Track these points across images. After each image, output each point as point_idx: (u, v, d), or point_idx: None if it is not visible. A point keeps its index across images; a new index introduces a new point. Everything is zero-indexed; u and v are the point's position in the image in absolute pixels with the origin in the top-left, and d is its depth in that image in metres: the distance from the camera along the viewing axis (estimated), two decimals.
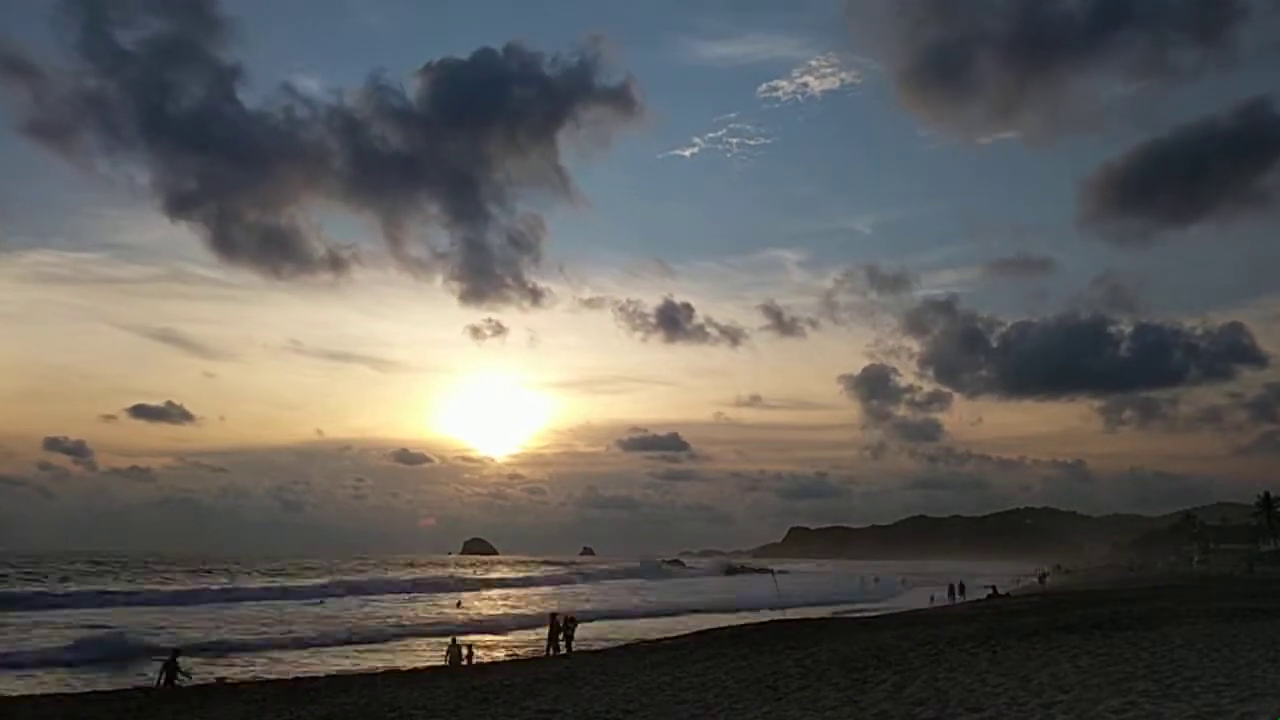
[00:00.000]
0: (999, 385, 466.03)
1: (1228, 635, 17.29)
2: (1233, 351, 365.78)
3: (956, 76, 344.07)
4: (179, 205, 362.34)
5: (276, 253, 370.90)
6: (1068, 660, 15.06)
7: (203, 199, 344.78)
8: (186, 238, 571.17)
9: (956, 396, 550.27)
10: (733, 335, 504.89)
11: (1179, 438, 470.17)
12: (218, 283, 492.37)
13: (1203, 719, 9.53)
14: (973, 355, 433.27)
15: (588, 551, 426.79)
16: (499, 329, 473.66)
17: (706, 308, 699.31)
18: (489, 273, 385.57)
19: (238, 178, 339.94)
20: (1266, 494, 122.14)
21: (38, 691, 22.45)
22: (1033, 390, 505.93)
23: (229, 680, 24.35)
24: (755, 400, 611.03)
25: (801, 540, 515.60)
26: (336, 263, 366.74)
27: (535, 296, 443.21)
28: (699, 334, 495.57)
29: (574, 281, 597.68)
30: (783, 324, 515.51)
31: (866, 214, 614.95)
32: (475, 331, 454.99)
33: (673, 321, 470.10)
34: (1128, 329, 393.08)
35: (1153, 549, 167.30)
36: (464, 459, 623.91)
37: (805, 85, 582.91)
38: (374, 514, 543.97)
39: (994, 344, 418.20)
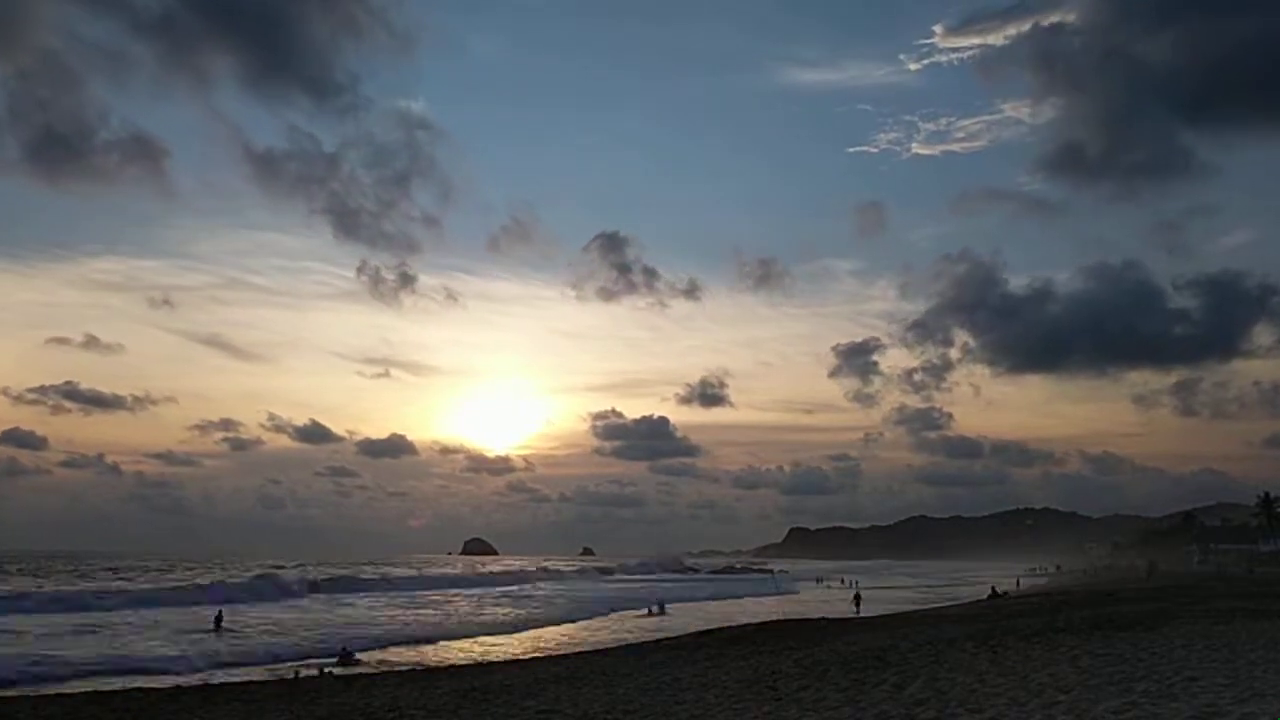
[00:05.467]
0: (1004, 364, 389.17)
1: (1228, 635, 17.32)
2: None
3: None
4: None
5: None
6: (1068, 660, 15.07)
7: None
8: None
9: (957, 382, 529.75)
10: (699, 297, 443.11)
11: (1197, 430, 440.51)
12: None
13: (1203, 719, 9.54)
14: (976, 325, 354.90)
15: (587, 551, 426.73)
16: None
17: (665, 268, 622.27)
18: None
19: None
20: (1266, 494, 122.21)
21: (34, 693, 22.43)
22: (1040, 369, 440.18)
23: (233, 680, 24.36)
24: (738, 386, 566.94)
25: (802, 541, 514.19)
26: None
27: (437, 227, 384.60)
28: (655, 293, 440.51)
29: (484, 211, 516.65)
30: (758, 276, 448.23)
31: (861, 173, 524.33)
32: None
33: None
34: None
35: (1153, 550, 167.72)
36: (450, 453, 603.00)
37: None
38: (361, 513, 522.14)
39: (1005, 314, 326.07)
